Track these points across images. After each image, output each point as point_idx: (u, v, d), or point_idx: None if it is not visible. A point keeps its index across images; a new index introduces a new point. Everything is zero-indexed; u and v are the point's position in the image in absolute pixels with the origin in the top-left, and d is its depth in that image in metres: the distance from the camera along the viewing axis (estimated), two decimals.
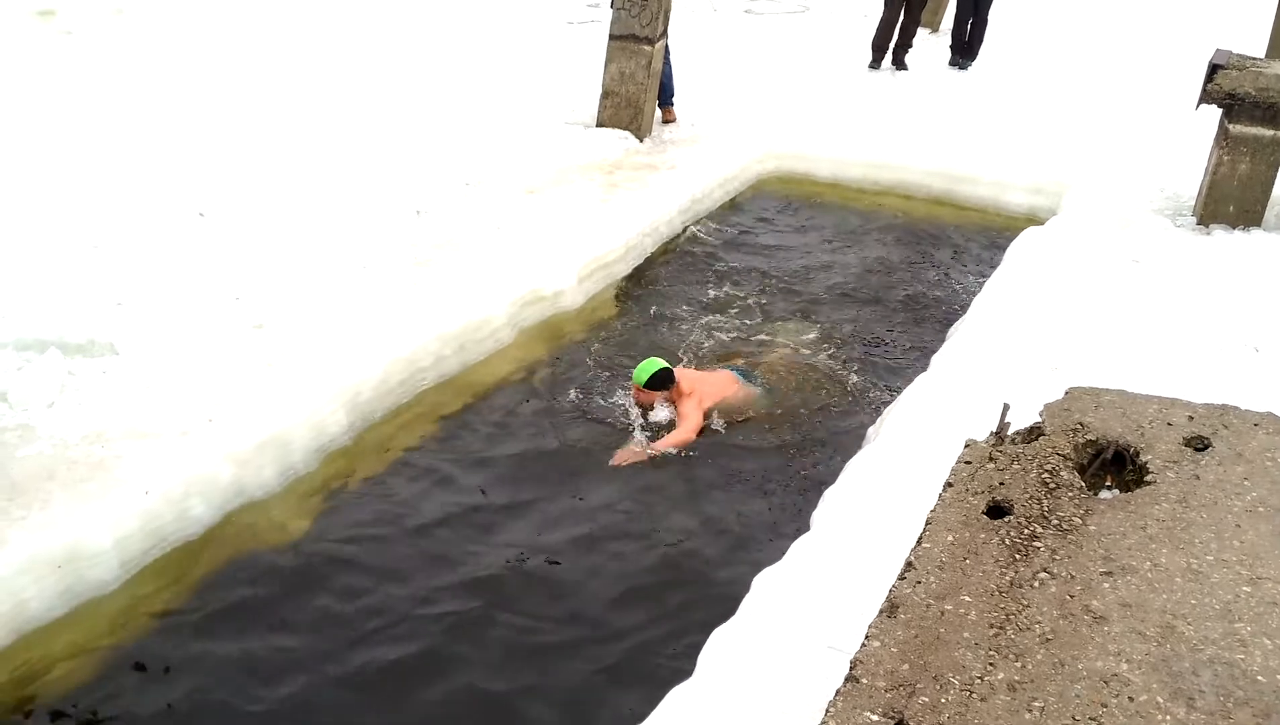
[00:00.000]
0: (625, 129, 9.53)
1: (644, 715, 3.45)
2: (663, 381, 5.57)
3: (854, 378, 6.36)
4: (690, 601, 4.50)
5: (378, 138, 8.81)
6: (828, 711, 2.30)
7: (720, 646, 3.72)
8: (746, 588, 4.06)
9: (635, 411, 5.74)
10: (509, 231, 7.37)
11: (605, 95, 9.58)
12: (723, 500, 5.16)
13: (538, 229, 7.47)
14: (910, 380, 5.72)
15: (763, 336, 6.79)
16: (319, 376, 5.41)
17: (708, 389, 5.72)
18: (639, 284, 7.60)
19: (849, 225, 8.99)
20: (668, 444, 5.45)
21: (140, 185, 7.36)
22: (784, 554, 4.25)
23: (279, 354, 5.55)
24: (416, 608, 4.41)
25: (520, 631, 4.32)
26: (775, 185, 9.81)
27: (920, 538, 2.86)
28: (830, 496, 4.64)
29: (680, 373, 5.75)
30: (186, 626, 4.26)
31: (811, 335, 6.88)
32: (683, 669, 3.70)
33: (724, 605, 4.07)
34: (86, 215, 6.80)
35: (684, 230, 8.57)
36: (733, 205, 9.34)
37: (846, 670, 2.43)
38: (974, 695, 2.33)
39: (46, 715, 3.85)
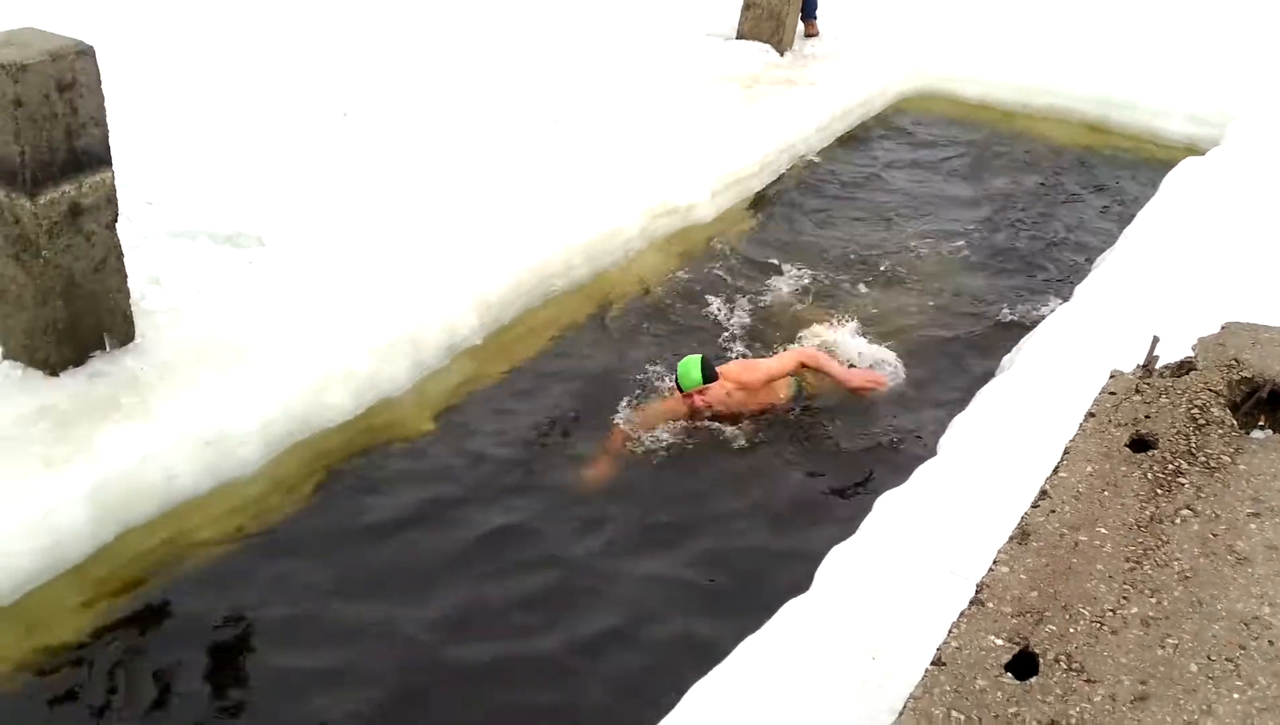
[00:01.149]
0: (766, 42, 9.31)
1: (760, 625, 3.48)
2: (711, 373, 4.87)
3: (990, 307, 6.18)
4: (810, 521, 4.48)
5: (516, 46, 8.79)
6: (950, 632, 2.28)
7: (838, 564, 3.71)
8: (867, 509, 4.03)
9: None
10: (644, 142, 7.32)
11: (747, 7, 9.37)
12: (847, 425, 5.11)
13: (673, 140, 7.39)
14: (1051, 310, 5.53)
15: (886, 263, 6.64)
16: (452, 278, 5.51)
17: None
18: (771, 201, 7.49)
19: (994, 150, 8.66)
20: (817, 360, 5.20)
21: (287, 84, 7.51)
22: (908, 478, 4.20)
23: (416, 253, 5.66)
24: (536, 508, 4.50)
25: (638, 542, 4.38)
26: (919, 105, 9.50)
27: (1057, 467, 2.77)
28: (960, 423, 4.55)
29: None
30: (320, 511, 4.43)
31: (942, 259, 6.70)
32: (799, 585, 3.71)
33: (843, 526, 4.06)
34: (236, 111, 6.99)
35: (821, 148, 8.38)
36: (874, 124, 9.08)
37: (972, 594, 2.39)
38: (1105, 628, 2.27)
39: (189, 584, 4.07)
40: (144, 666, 3.68)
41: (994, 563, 2.47)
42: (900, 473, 4.37)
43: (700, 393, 4.80)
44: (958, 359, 5.68)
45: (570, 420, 5.06)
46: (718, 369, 4.91)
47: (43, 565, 3.90)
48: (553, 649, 3.87)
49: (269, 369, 4.73)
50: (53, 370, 4.55)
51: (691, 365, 4.80)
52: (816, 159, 8.21)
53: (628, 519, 4.49)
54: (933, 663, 2.18)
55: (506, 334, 5.63)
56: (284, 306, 5.13)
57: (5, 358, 4.60)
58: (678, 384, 4.84)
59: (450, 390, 5.19)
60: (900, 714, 2.04)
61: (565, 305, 5.96)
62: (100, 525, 4.08)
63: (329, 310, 5.13)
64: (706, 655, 3.38)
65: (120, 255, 4.66)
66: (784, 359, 5.21)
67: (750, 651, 3.36)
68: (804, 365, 5.23)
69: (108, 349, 4.68)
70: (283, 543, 4.25)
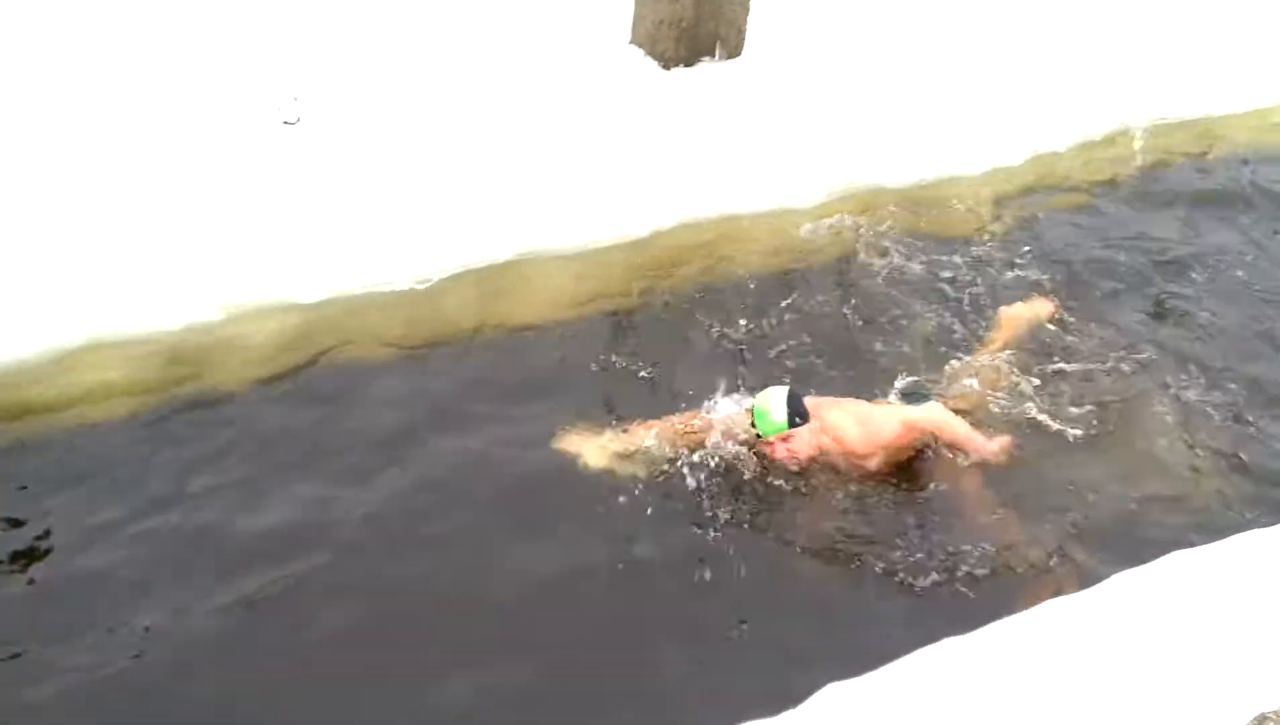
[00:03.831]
0: None
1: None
2: (796, 414, 3.34)
3: None
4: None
5: None
6: None
7: None
8: None
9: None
10: None
11: None
12: None
13: None
14: None
15: None
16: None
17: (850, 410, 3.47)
18: None
19: None
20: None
21: None
22: None
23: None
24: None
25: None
26: None
27: None
28: None
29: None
30: (854, 260, 4.52)
31: None
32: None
33: None
34: None
35: None
36: None
37: None
38: None
39: (716, 273, 4.31)
40: (665, 323, 4.05)
41: None
42: None
43: (784, 439, 3.34)
44: None
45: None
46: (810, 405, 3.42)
47: (608, 233, 4.37)
48: None
49: (851, 116, 4.85)
50: (666, 65, 4.96)
51: (770, 405, 3.34)
52: None
53: None
54: None
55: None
56: (884, 66, 5.17)
57: (631, 42, 5.08)
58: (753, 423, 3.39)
59: (1016, 186, 4.99)
60: None
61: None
62: (663, 211, 4.47)
63: (920, 79, 5.11)
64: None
65: None
66: (908, 422, 3.46)
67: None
68: (932, 435, 3.50)
69: (716, 58, 5.01)
70: (799, 276, 4.36)
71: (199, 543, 3.03)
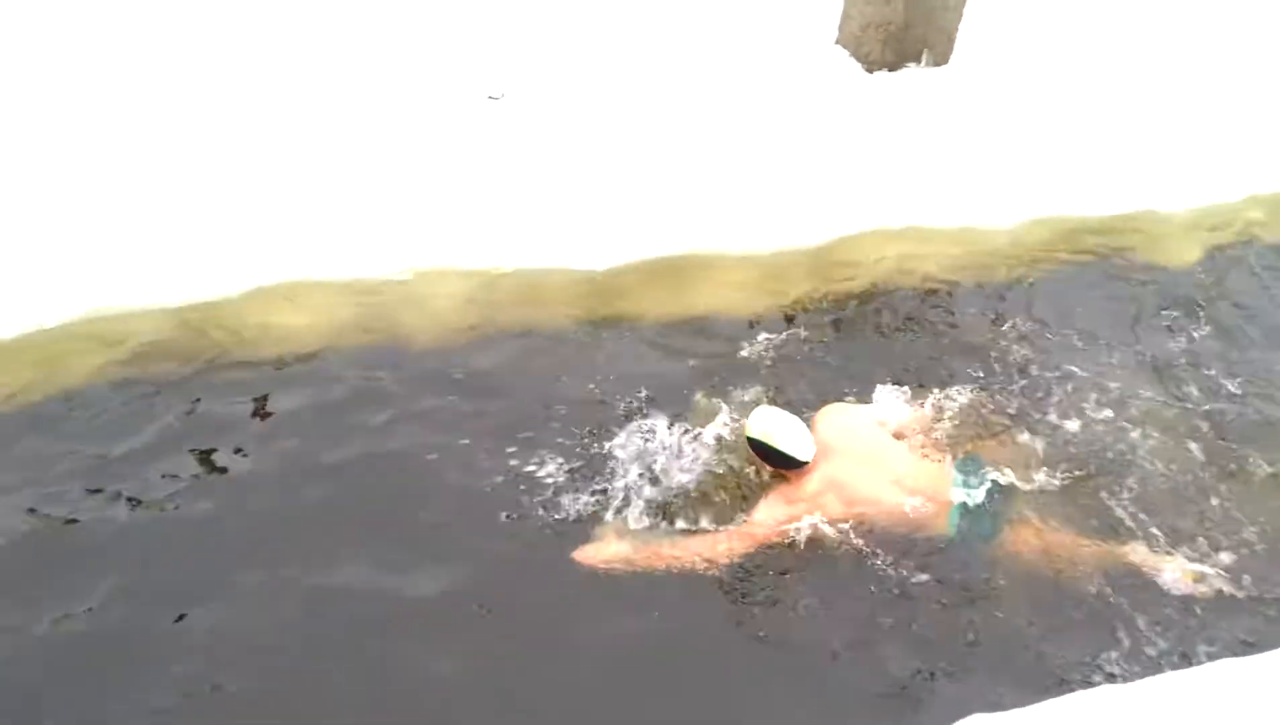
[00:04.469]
0: None
1: None
2: (770, 457, 3.15)
3: None
4: None
5: None
6: None
7: None
8: None
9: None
10: None
11: None
12: None
13: None
14: None
15: None
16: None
17: (853, 491, 3.14)
18: None
19: None
20: (682, 555, 3.04)
21: None
22: None
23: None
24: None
25: None
26: None
27: None
28: None
29: (836, 438, 3.22)
30: (1050, 279, 4.35)
31: None
32: None
33: None
34: None
35: None
36: None
37: None
38: None
39: (892, 288, 4.22)
40: (834, 327, 4.01)
41: None
42: None
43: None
44: None
45: None
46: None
47: (793, 234, 4.33)
48: None
49: (1054, 138, 4.68)
50: (870, 68, 4.88)
51: (759, 420, 3.19)
52: None
53: None
54: None
55: None
56: (1094, 89, 4.97)
57: (836, 42, 5.01)
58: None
59: (1228, 229, 4.72)
60: None
61: None
62: (851, 216, 4.40)
63: (1130, 106, 4.90)
64: None
65: None
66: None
67: None
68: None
69: (922, 64, 4.90)
70: (991, 288, 4.25)
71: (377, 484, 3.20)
